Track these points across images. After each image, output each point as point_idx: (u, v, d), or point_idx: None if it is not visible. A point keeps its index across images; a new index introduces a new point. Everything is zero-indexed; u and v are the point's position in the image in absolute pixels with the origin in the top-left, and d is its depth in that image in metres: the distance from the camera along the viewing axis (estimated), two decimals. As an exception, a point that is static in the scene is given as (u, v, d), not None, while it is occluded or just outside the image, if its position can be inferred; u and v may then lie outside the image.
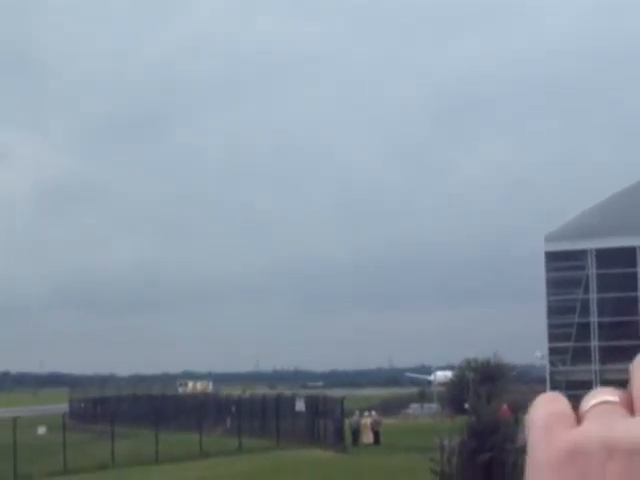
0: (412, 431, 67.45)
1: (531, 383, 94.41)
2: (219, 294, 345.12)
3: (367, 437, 65.98)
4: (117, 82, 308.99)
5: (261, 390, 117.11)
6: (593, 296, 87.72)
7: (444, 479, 36.22)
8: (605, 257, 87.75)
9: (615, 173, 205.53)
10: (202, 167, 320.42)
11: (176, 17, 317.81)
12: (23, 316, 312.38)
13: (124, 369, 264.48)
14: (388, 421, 75.21)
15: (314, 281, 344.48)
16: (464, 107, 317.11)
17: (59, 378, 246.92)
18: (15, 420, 55.19)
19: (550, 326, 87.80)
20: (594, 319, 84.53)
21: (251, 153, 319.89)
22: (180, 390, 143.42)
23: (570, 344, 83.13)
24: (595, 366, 76.81)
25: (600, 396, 1.43)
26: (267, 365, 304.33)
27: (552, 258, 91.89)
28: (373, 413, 69.99)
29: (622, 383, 1.46)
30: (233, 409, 73.57)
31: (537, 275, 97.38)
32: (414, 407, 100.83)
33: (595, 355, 77.85)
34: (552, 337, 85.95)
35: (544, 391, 1.56)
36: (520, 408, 47.34)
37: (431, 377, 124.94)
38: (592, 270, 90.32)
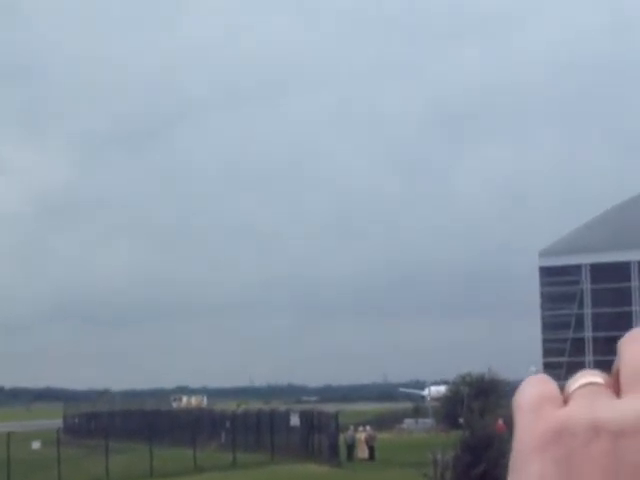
0: (407, 446, 67.39)
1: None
2: (213, 309, 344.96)
3: (362, 452, 65.93)
4: (116, 93, 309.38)
5: (255, 405, 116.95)
6: (587, 311, 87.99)
7: (438, 494, 36.27)
8: (599, 272, 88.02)
9: (609, 189, 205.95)
10: (202, 179, 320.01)
11: (175, 27, 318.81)
12: (17, 330, 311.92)
13: (118, 384, 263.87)
14: (383, 436, 75.17)
15: (309, 296, 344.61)
16: (463, 119, 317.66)
17: (53, 393, 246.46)
18: (9, 435, 55.09)
19: (545, 341, 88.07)
20: (589, 334, 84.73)
21: (250, 165, 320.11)
22: (174, 405, 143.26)
23: (565, 359, 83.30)
24: (590, 381, 76.90)
25: (586, 378, 1.44)
26: (261, 380, 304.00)
27: (546, 273, 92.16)
28: (368, 428, 69.93)
29: None
30: (227, 424, 73.49)
31: (532, 290, 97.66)
32: (409, 422, 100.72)
33: (589, 370, 77.94)
34: (547, 352, 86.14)
35: None
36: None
37: (425, 392, 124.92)
38: (586, 285, 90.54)
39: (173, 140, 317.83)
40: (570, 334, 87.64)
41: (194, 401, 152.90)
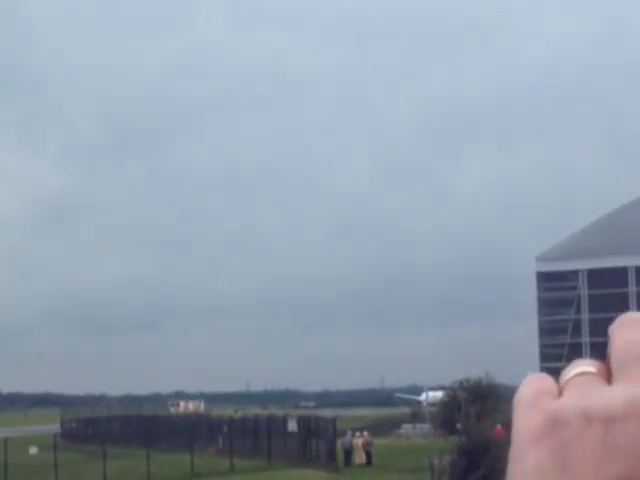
0: (404, 451, 67.36)
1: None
2: (210, 314, 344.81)
3: (359, 457, 65.88)
4: (113, 99, 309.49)
5: (253, 410, 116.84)
6: (585, 316, 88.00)
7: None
8: (597, 277, 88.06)
9: (606, 194, 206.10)
10: (199, 185, 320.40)
11: (173, 34, 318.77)
12: (14, 336, 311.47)
13: (115, 389, 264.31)
14: (380, 441, 75.08)
15: (306, 301, 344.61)
16: (458, 127, 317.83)
17: (51, 398, 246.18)
18: (6, 440, 55.02)
19: (542, 346, 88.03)
20: (586, 339, 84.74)
21: (247, 171, 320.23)
22: (172, 410, 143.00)
23: (562, 364, 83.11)
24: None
25: (578, 367, 1.48)
26: (258, 385, 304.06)
27: (544, 278, 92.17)
28: (365, 433, 69.86)
29: None
30: (225, 429, 73.42)
31: (529, 295, 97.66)
32: (406, 427, 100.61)
33: (587, 375, 77.91)
34: (544, 357, 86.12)
35: None
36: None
37: (421, 397, 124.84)
38: (584, 290, 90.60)
39: (171, 145, 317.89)
40: (567, 339, 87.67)
41: (191, 406, 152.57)
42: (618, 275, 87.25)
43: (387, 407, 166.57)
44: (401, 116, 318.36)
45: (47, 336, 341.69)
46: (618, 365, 1.44)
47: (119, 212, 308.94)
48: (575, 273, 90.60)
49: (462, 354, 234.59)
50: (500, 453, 34.21)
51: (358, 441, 67.38)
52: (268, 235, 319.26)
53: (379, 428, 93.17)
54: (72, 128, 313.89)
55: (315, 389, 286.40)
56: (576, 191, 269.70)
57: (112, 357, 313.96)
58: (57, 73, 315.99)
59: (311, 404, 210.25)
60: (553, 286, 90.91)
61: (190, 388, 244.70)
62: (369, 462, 65.35)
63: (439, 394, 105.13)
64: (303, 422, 67.59)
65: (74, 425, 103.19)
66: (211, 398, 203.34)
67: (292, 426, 67.39)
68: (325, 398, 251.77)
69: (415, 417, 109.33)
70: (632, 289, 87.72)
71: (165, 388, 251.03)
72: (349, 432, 68.82)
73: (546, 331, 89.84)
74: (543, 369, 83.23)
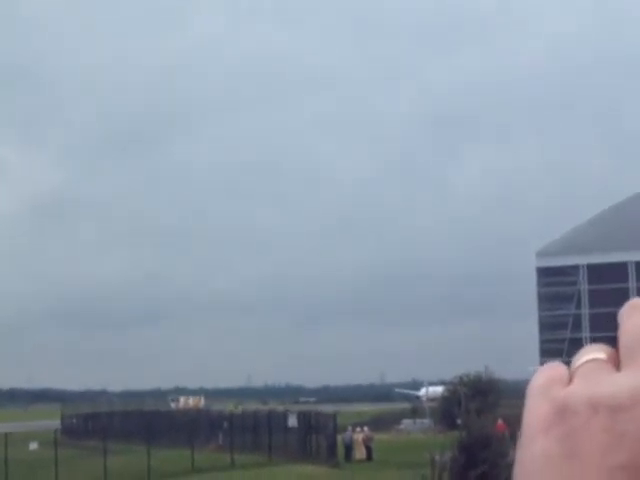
0: (404, 447, 67.36)
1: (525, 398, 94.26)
2: (210, 309, 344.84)
3: (360, 453, 65.89)
4: (113, 96, 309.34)
5: (253, 406, 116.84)
6: (585, 311, 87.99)
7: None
8: (597, 272, 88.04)
9: (606, 189, 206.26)
10: (199, 183, 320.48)
11: (173, 34, 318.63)
12: (14, 331, 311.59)
13: (116, 385, 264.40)
14: (380, 437, 75.05)
15: (306, 297, 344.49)
16: (459, 122, 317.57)
17: (51, 394, 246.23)
18: (6, 436, 55.02)
19: (542, 341, 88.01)
20: (586, 334, 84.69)
21: (247, 170, 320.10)
22: (172, 406, 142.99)
23: (562, 359, 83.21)
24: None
25: (588, 354, 1.48)
26: (259, 381, 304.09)
27: (544, 274, 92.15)
28: (365, 429, 69.87)
29: None
30: (225, 425, 73.42)
31: (529, 291, 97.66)
32: (406, 422, 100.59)
33: (587, 370, 78.00)
34: (544, 352, 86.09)
35: None
36: (517, 423, 47.21)
37: (420, 392, 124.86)
38: (584, 285, 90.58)
39: (172, 142, 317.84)
40: (568, 334, 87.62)
41: (192, 402, 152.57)
42: (618, 270, 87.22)
43: (387, 402, 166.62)
44: (401, 114, 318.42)
45: (48, 332, 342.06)
46: (626, 349, 1.44)
47: (119, 209, 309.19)
48: (575, 268, 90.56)
49: (462, 349, 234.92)
50: (501, 448, 34.17)
51: (358, 436, 67.38)
52: (268, 232, 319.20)
53: (379, 423, 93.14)
54: (72, 127, 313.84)
55: (316, 384, 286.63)
56: (576, 187, 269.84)
57: (113, 353, 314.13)
58: (57, 72, 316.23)
59: (311, 399, 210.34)
60: (553, 281, 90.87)
61: (190, 384, 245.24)
62: (369, 457, 65.38)
63: (439, 389, 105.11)
64: (303, 417, 67.64)
65: (74, 421, 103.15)
66: (211, 393, 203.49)
67: (292, 421, 67.43)
68: (326, 393, 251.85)
69: (415, 412, 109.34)
70: (632, 284, 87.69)
71: (165, 384, 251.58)
72: (349, 427, 68.82)
73: (546, 326, 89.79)
74: (543, 364, 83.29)
